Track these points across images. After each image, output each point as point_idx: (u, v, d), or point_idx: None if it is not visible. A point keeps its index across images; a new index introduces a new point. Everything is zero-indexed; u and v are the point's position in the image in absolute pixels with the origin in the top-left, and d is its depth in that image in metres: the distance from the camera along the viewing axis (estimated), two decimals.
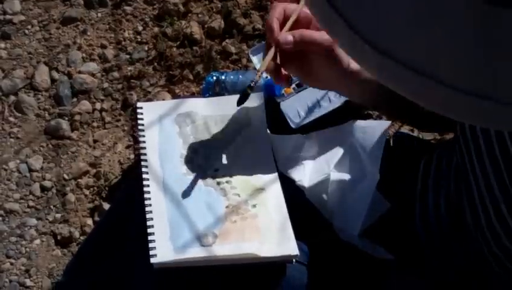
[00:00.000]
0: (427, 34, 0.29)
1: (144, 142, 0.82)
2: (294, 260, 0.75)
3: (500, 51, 0.29)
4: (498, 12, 0.27)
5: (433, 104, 0.32)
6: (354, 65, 0.70)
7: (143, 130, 0.83)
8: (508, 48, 0.28)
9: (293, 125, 0.87)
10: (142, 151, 0.81)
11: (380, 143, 0.76)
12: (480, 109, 0.31)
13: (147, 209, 0.76)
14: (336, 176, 0.80)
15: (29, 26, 1.56)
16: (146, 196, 0.77)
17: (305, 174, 0.81)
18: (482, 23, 0.28)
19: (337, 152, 0.82)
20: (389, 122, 0.77)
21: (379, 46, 0.31)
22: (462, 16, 0.28)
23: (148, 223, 0.75)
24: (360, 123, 0.80)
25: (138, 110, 0.85)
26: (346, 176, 0.79)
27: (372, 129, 0.78)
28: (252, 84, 0.74)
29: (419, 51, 0.30)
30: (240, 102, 0.75)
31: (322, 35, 0.68)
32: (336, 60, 0.70)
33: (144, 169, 0.79)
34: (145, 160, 0.80)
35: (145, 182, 0.78)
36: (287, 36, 0.68)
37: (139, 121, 0.84)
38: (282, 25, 0.70)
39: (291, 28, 0.71)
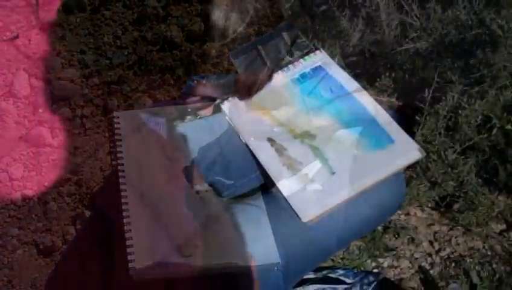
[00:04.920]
0: None
1: (121, 152, 0.81)
2: (276, 268, 0.75)
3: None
4: None
5: None
6: None
7: (120, 140, 0.82)
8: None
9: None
10: (119, 161, 0.80)
11: None
12: None
13: (125, 220, 0.75)
14: None
15: (8, 33, 1.54)
16: (124, 207, 0.76)
17: None
18: None
19: None
20: None
21: None
22: None
23: (127, 234, 0.73)
24: None
25: (115, 120, 0.84)
26: None
27: None
28: None
29: None
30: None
31: None
32: None
33: (121, 180, 0.78)
34: (122, 170, 0.79)
35: (122, 193, 0.77)
36: None
37: (116, 131, 0.83)
38: None
39: None
